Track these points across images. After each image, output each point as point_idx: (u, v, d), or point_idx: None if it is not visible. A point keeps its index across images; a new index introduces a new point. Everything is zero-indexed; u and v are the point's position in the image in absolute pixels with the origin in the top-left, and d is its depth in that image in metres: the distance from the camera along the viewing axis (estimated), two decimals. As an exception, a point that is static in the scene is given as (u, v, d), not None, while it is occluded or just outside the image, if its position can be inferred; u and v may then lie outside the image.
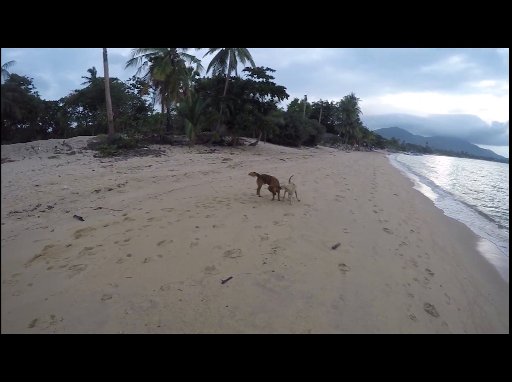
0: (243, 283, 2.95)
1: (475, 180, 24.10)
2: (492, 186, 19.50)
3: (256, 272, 3.17)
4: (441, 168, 38.21)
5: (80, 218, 4.73)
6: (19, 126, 26.20)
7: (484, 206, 10.80)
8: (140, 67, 19.06)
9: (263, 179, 6.40)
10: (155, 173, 9.60)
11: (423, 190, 13.24)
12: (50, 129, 28.32)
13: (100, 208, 5.42)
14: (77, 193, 6.64)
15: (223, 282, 2.95)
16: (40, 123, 27.83)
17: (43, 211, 5.25)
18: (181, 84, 21.85)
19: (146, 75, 20.04)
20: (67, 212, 5.21)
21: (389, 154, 65.41)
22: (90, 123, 28.67)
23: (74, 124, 29.05)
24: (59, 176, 8.94)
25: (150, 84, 22.01)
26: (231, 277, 3.04)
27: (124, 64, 18.90)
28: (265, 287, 2.89)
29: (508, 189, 11.55)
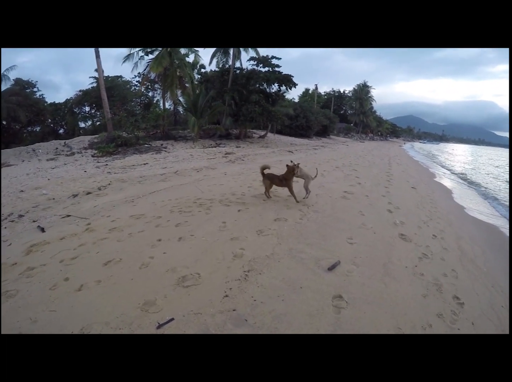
0: (185, 330, 2.07)
1: (500, 168, 22.07)
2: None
3: (209, 311, 2.26)
4: (461, 158, 35.66)
5: (42, 229, 4.17)
6: (29, 129, 26.41)
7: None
8: (137, 61, 18.26)
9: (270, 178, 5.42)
10: (146, 172, 8.84)
11: (445, 182, 11.83)
12: (61, 131, 28.43)
13: (69, 216, 4.79)
14: (53, 199, 6.05)
15: (159, 326, 2.12)
16: (52, 125, 27.97)
17: (12, 221, 4.72)
18: (185, 79, 21.09)
19: (145, 69, 19.27)
20: (34, 221, 4.66)
21: (404, 143, 62.44)
22: (98, 123, 28.59)
23: (83, 124, 29.18)
24: (49, 179, 8.48)
25: (151, 78, 21.31)
26: (172, 319, 2.18)
27: (130, 62, 18.22)
28: (214, 340, 1.99)
29: (508, 190, 10.11)
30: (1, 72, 20.25)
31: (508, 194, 9.91)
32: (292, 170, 5.16)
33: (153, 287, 2.58)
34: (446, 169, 18.65)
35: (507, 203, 8.86)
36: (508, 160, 33.71)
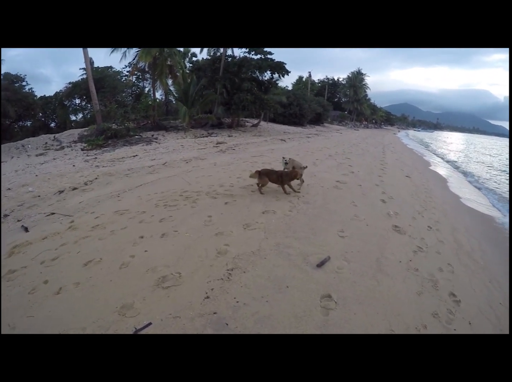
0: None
1: (494, 157, 21.95)
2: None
3: (189, 314, 2.12)
4: (455, 146, 35.60)
5: (26, 229, 4.07)
6: (20, 124, 25.83)
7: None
8: (125, 51, 17.67)
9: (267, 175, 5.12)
10: (134, 164, 8.61)
11: (439, 171, 11.70)
12: (52, 124, 27.86)
13: (53, 213, 4.65)
14: (39, 196, 5.88)
15: (136, 332, 2.00)
16: (43, 119, 27.38)
17: (-3, 221, 4.57)
18: (176, 68, 20.59)
19: (134, 59, 18.71)
20: (18, 220, 4.53)
21: (399, 131, 62.06)
22: (89, 115, 28.03)
23: (74, 117, 28.61)
24: (36, 175, 8.30)
25: (141, 68, 20.76)
26: (149, 324, 2.06)
27: (119, 51, 17.66)
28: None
29: (508, 183, 10.00)
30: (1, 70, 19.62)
31: (508, 188, 9.79)
32: (295, 176, 4.97)
33: (132, 289, 2.46)
34: (440, 157, 18.55)
35: (501, 193, 8.79)
36: (505, 151, 33.65)
